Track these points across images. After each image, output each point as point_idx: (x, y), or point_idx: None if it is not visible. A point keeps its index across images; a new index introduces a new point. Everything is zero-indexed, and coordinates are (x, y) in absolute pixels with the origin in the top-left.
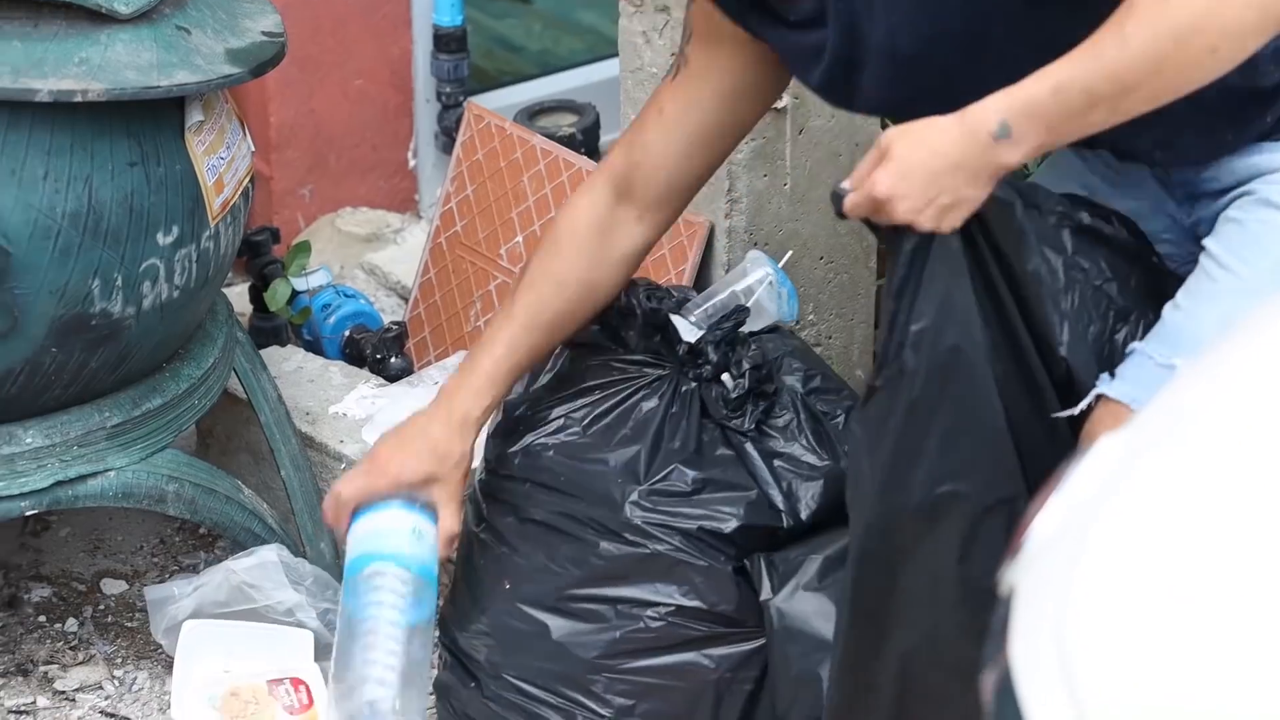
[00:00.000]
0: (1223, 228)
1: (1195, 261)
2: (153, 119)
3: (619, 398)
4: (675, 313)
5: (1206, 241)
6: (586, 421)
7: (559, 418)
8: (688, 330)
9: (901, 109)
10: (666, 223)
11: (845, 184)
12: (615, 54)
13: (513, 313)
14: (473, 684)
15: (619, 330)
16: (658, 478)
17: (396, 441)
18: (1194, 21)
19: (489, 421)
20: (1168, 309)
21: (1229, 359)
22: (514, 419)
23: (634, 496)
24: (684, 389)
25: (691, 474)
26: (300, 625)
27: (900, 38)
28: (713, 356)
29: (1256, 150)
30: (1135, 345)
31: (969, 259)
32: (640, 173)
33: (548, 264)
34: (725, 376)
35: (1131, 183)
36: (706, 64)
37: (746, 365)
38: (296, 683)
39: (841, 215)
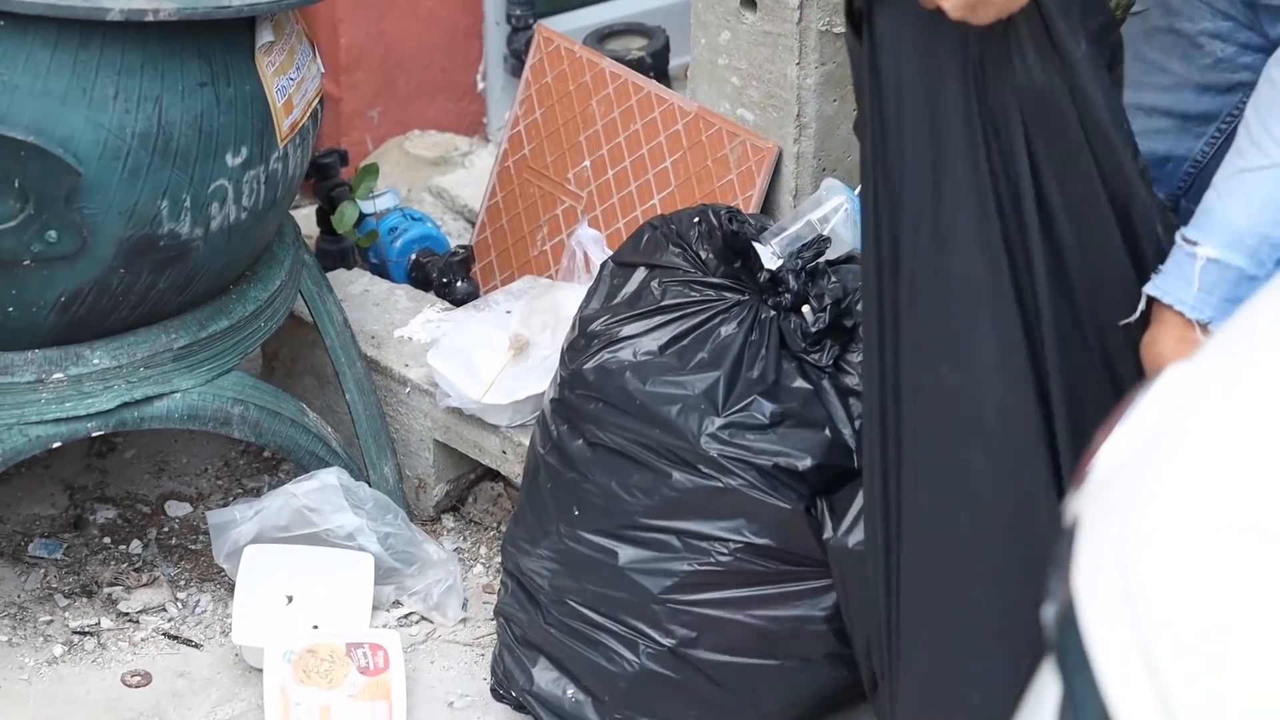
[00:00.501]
0: (1262, 89)
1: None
2: (223, 39)
3: (697, 320)
4: (755, 239)
5: (1248, 108)
6: (664, 342)
7: (636, 335)
8: (769, 257)
9: None
10: None
11: None
12: None
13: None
14: (535, 609)
15: (698, 253)
16: (736, 408)
17: None
18: None
19: (564, 334)
20: (1209, 192)
21: None
22: (589, 333)
23: (711, 428)
24: (763, 316)
25: (770, 407)
26: (361, 549)
27: None
28: (793, 286)
29: None
30: (1176, 240)
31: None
32: None
33: None
34: (805, 309)
35: None
36: None
37: (828, 299)
38: (375, 648)
39: None
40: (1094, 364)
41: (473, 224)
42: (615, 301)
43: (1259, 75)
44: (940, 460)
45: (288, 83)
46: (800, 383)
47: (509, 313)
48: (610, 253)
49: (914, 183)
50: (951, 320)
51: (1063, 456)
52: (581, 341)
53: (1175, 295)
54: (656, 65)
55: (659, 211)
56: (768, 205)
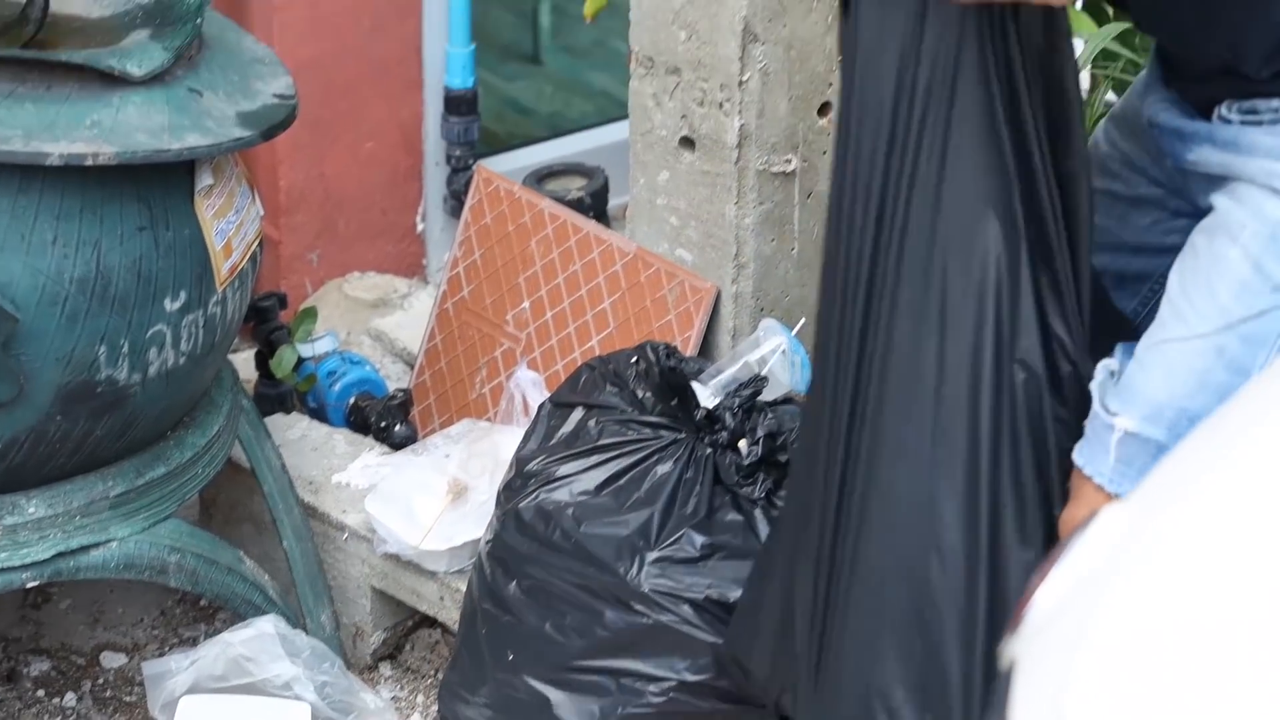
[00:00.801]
0: (1185, 257)
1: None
2: (163, 182)
3: (634, 458)
4: (693, 378)
5: (1170, 274)
6: (601, 481)
7: (573, 474)
8: (706, 396)
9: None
10: None
11: None
12: (625, 116)
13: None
14: None
15: (635, 391)
16: (668, 542)
17: None
18: None
19: (501, 475)
20: (1131, 363)
21: (1227, 433)
22: (525, 473)
23: (643, 562)
24: (699, 454)
25: (701, 539)
26: (298, 699)
27: None
28: (730, 423)
29: (1237, 139)
30: (1095, 407)
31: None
32: None
33: None
34: (741, 444)
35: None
36: None
37: (761, 433)
38: None
39: None
40: None
41: (412, 366)
42: (552, 442)
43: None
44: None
45: (227, 226)
46: (733, 515)
47: (447, 457)
48: (549, 395)
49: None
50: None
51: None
52: (518, 482)
53: (1094, 466)
54: (596, 205)
55: (598, 353)
56: (706, 345)
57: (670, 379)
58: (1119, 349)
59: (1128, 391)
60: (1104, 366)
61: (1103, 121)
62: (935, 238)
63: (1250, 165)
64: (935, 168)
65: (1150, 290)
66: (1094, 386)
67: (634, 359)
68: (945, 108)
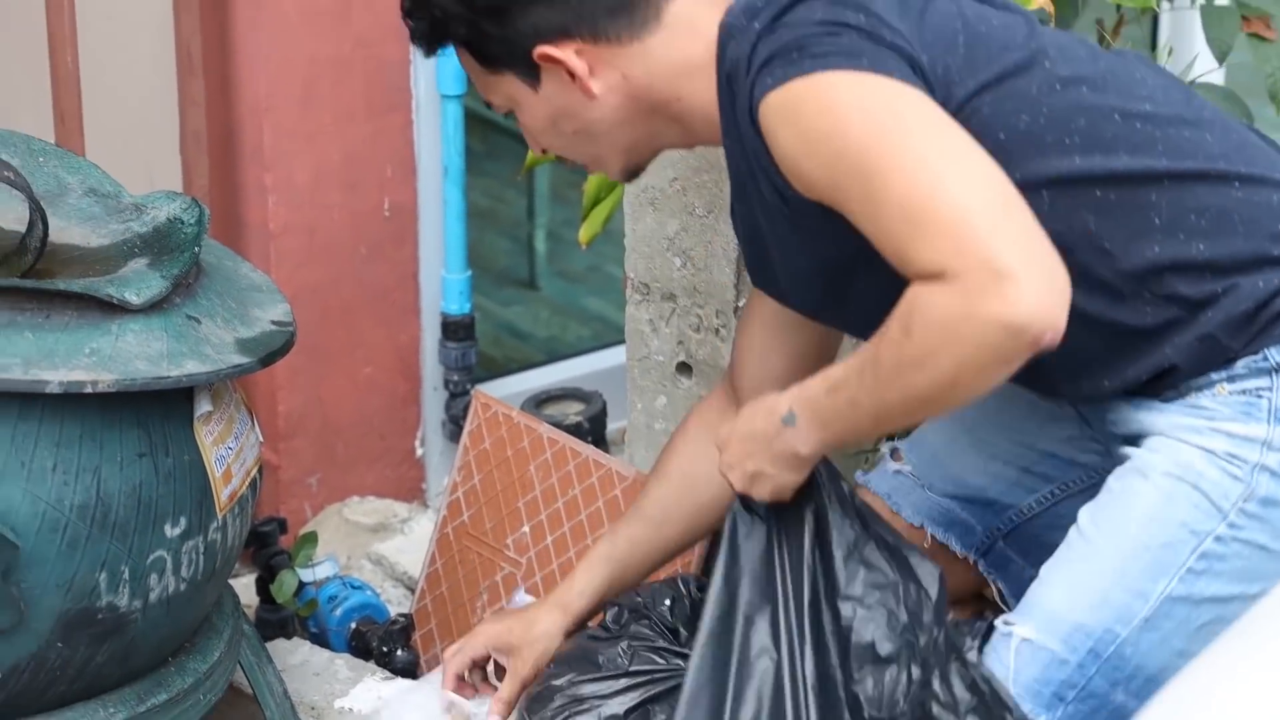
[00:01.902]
0: (1100, 496)
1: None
2: (162, 408)
3: (665, 687)
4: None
5: (1081, 511)
6: (630, 706)
7: (600, 699)
8: None
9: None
10: None
11: None
12: (622, 341)
13: (627, 509)
14: None
15: (671, 622)
16: None
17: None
18: (945, 375)
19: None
20: (1035, 582)
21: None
22: (550, 688)
23: None
24: None
25: None
26: None
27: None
28: None
29: (1149, 407)
30: (998, 621)
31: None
32: (735, 374)
33: (660, 458)
34: None
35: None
36: None
37: None
38: None
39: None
40: None
41: (413, 591)
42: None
43: (1098, 467)
44: None
45: (226, 452)
46: None
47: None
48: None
49: None
50: None
51: None
52: (541, 703)
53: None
54: (594, 430)
55: None
56: (708, 565)
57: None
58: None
59: (1027, 604)
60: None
61: None
62: None
63: (1163, 422)
64: None
65: (1051, 493)
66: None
67: (668, 595)
68: None
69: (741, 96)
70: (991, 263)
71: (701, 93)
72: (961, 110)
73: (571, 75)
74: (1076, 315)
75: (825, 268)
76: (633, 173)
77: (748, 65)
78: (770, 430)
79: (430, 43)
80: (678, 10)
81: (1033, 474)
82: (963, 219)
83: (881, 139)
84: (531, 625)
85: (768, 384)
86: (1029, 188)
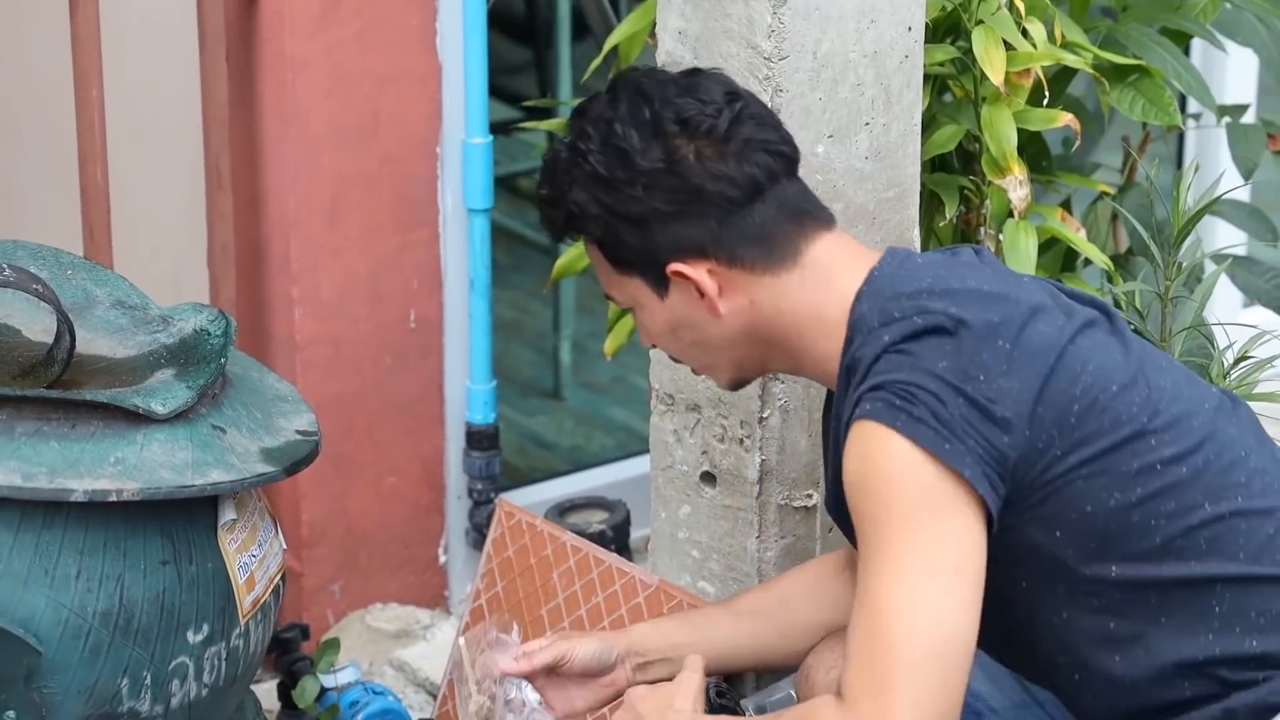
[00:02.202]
0: None
1: None
2: (186, 516)
3: None
4: (737, 707)
5: None
6: None
7: None
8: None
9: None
10: None
11: None
12: (646, 451)
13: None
14: None
15: None
16: None
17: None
18: None
19: None
20: None
21: None
22: None
23: None
24: None
25: None
26: None
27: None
28: None
29: None
30: None
31: None
32: None
33: (773, 581)
34: None
35: None
36: None
37: None
38: None
39: None
40: None
41: (435, 697)
42: None
43: None
44: None
45: (250, 559)
46: None
47: None
48: None
49: None
50: None
51: None
52: None
53: None
54: (617, 538)
55: None
56: (732, 678)
57: (718, 709)
58: None
59: None
60: None
61: None
62: None
63: None
64: None
65: None
66: None
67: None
68: None
69: (850, 396)
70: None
71: (821, 347)
72: (1054, 481)
73: (700, 293)
74: (1114, 677)
75: None
76: (739, 385)
77: (863, 375)
78: None
79: (560, 232)
80: (817, 255)
81: None
82: (900, 668)
83: (896, 541)
84: (592, 633)
85: None
86: (1099, 566)
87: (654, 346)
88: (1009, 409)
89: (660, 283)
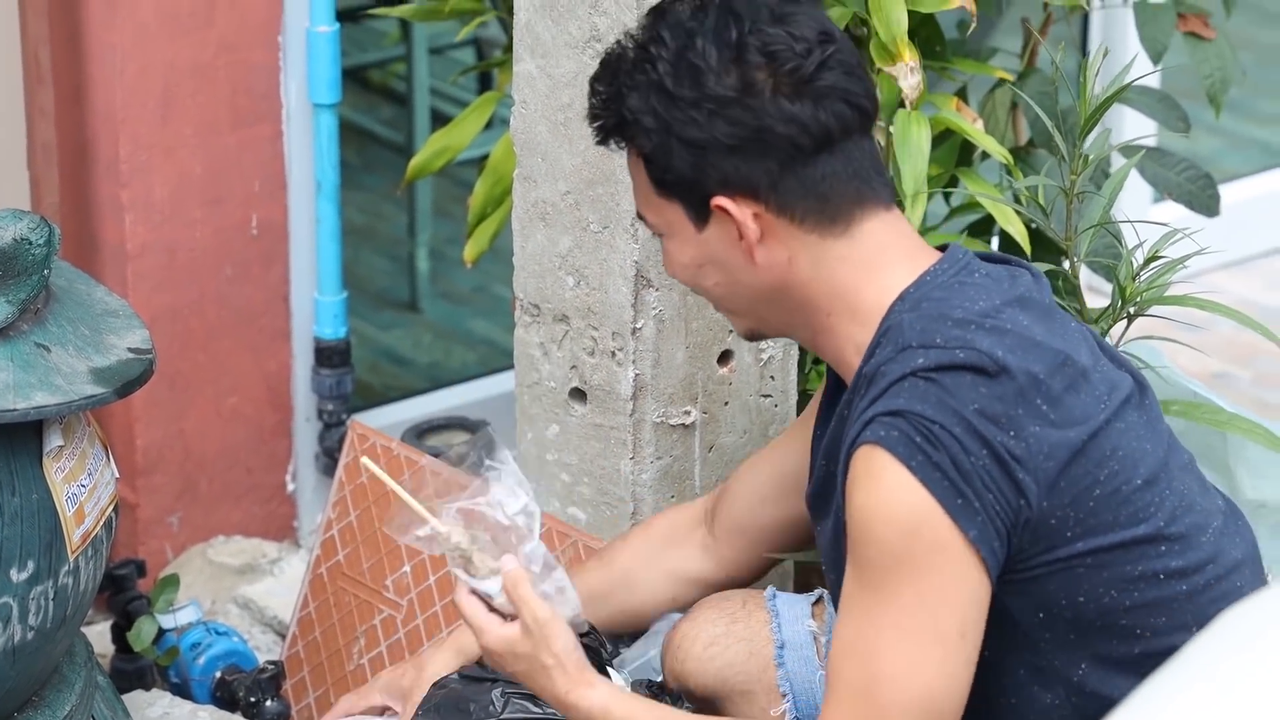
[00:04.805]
0: None
1: None
2: (7, 444)
3: None
4: (609, 663)
5: None
6: None
7: None
8: (618, 679)
9: None
10: (732, 564)
11: None
12: (510, 366)
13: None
14: None
15: None
16: None
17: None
18: None
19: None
20: None
21: None
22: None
23: None
24: None
25: None
26: None
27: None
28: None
29: None
30: None
31: None
32: (724, 502)
33: (612, 544)
34: None
35: None
36: (805, 416)
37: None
38: None
39: None
40: None
41: (283, 637)
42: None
43: None
44: None
45: (79, 490)
46: None
47: None
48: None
49: None
50: None
51: None
52: None
53: None
54: None
55: None
56: None
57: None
58: None
59: None
60: None
61: None
62: None
63: None
64: None
65: None
66: None
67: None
68: None
69: (865, 407)
70: None
71: (845, 330)
72: (1054, 563)
73: (741, 234)
74: None
75: None
76: (756, 338)
77: (884, 390)
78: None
79: (607, 135)
80: (870, 230)
81: None
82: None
83: (902, 595)
84: (424, 668)
85: (751, 532)
86: (1069, 659)
87: (673, 276)
88: (1031, 474)
89: (701, 214)
